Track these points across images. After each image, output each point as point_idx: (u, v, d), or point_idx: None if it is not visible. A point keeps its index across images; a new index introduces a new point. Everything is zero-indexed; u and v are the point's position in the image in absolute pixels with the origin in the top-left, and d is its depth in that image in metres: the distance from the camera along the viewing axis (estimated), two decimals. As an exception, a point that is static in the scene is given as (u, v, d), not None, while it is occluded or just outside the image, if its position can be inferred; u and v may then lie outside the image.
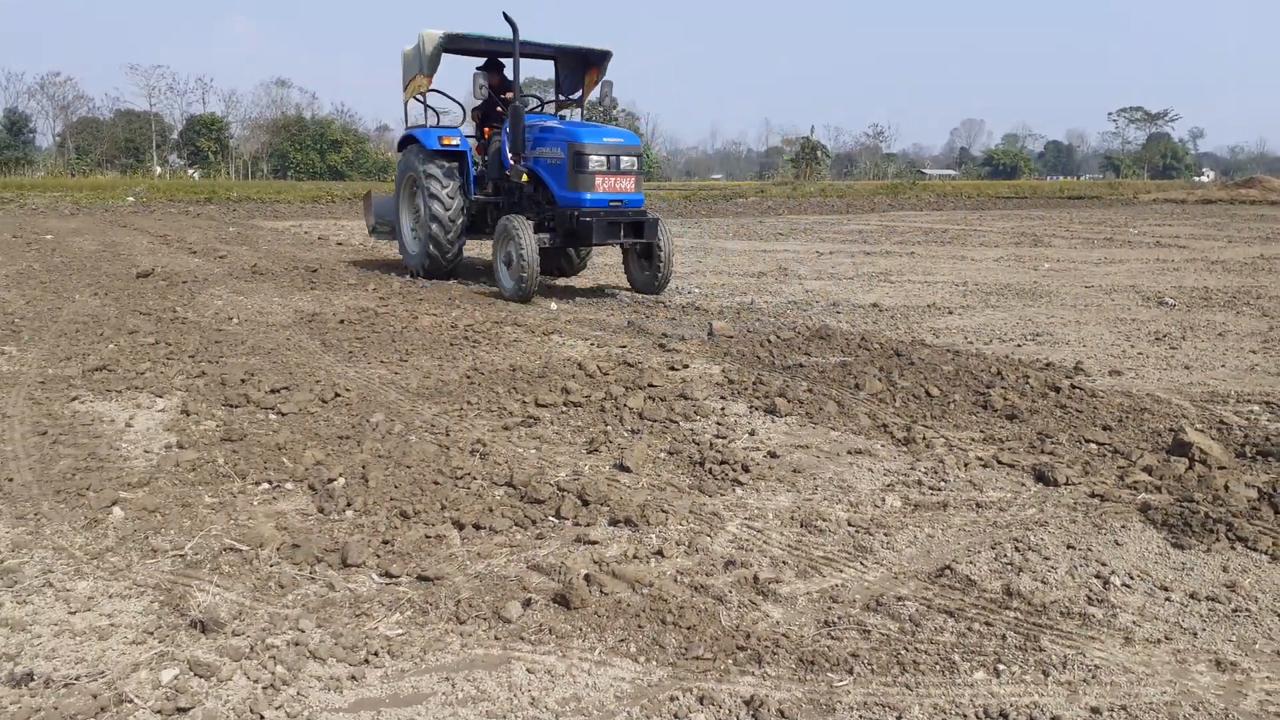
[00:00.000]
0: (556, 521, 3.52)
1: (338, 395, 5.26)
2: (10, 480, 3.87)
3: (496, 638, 2.64)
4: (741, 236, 18.90)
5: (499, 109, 10.58)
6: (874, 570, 3.15)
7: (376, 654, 2.53)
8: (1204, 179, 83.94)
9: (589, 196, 8.96)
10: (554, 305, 8.91)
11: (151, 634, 2.64)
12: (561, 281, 11.17)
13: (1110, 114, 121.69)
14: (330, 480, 3.88)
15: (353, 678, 2.43)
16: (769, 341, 6.85)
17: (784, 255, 14.51)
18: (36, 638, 2.62)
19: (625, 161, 9.16)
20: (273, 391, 5.28)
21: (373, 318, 7.89)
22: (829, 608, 2.85)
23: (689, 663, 2.51)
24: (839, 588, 3.00)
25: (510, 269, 9.05)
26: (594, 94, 10.73)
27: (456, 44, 10.33)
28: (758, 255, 14.59)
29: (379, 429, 4.64)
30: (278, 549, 3.21)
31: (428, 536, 3.35)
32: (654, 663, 2.52)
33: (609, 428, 4.74)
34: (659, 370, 5.94)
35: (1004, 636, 2.67)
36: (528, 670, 2.47)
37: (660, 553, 3.21)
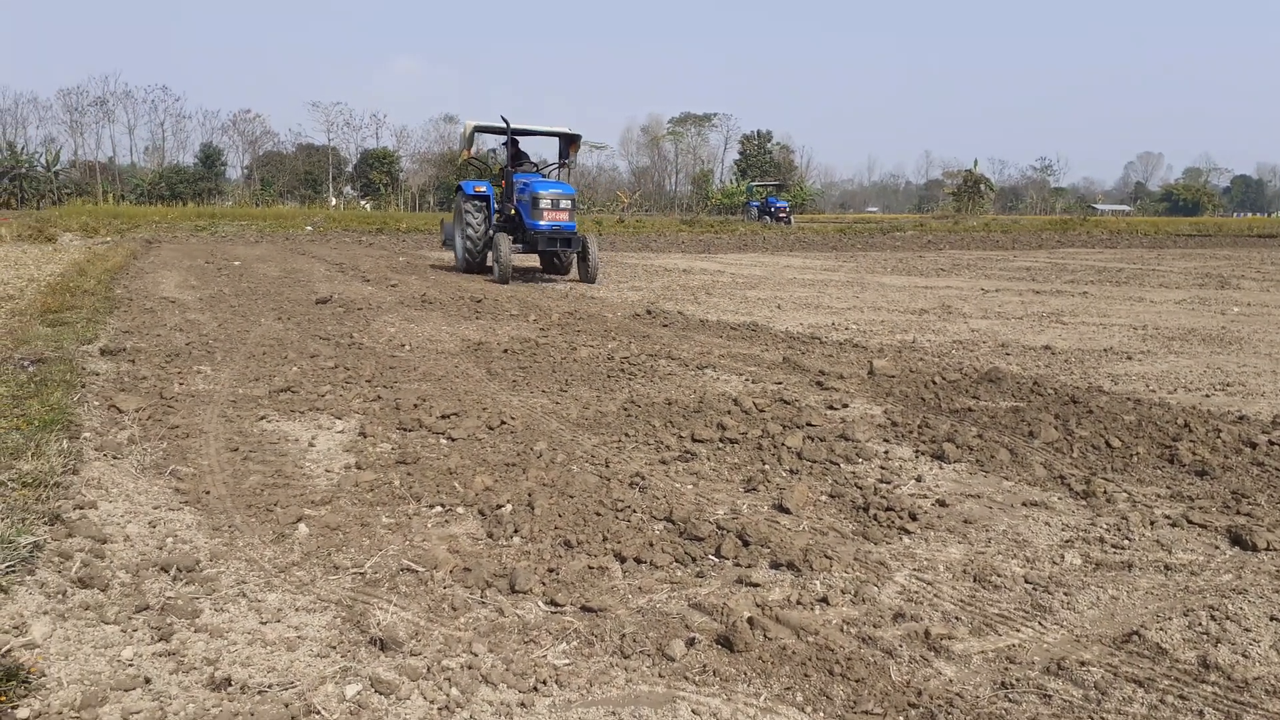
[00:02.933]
0: (717, 560, 3.50)
1: (503, 423, 5.43)
2: (207, 493, 4.17)
3: (661, 675, 2.64)
4: (900, 271, 18.48)
5: (509, 170, 16.15)
6: (1054, 631, 2.98)
7: (545, 682, 2.58)
8: None
9: (541, 223, 14.85)
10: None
11: (335, 648, 2.77)
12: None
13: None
14: (499, 506, 3.99)
15: (522, 704, 2.48)
16: (934, 383, 6.63)
17: (946, 292, 14.08)
18: (232, 644, 2.79)
19: (563, 203, 14.94)
20: (443, 417, 5.50)
21: (534, 348, 8.12)
22: (1006, 668, 2.72)
23: (858, 717, 2.44)
24: (1016, 648, 2.86)
25: (499, 265, 14.67)
26: (572, 159, 16.63)
27: (482, 130, 17.14)
28: (918, 291, 14.21)
29: (542, 458, 4.75)
30: (450, 571, 3.32)
31: (590, 567, 3.39)
32: (821, 714, 2.46)
33: (767, 466, 4.70)
34: (817, 409, 5.85)
35: (1201, 713, 2.48)
36: (693, 711, 2.46)
37: (825, 600, 3.14)
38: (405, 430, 5.29)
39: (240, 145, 76.13)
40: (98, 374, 6.61)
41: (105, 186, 61.80)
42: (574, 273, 16.15)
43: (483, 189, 15.89)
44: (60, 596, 3.04)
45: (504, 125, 15.80)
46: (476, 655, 2.72)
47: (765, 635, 2.86)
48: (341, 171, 73.19)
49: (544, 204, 14.75)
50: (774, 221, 47.13)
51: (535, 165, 16.77)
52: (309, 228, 33.99)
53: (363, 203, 63.83)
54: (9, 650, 2.62)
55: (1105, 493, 4.30)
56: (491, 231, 15.70)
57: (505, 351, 7.96)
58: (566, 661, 2.71)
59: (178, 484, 4.27)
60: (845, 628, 2.96)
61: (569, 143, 16.34)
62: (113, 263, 16.35)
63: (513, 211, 15.49)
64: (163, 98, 78.43)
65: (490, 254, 15.62)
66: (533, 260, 17.08)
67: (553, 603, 3.10)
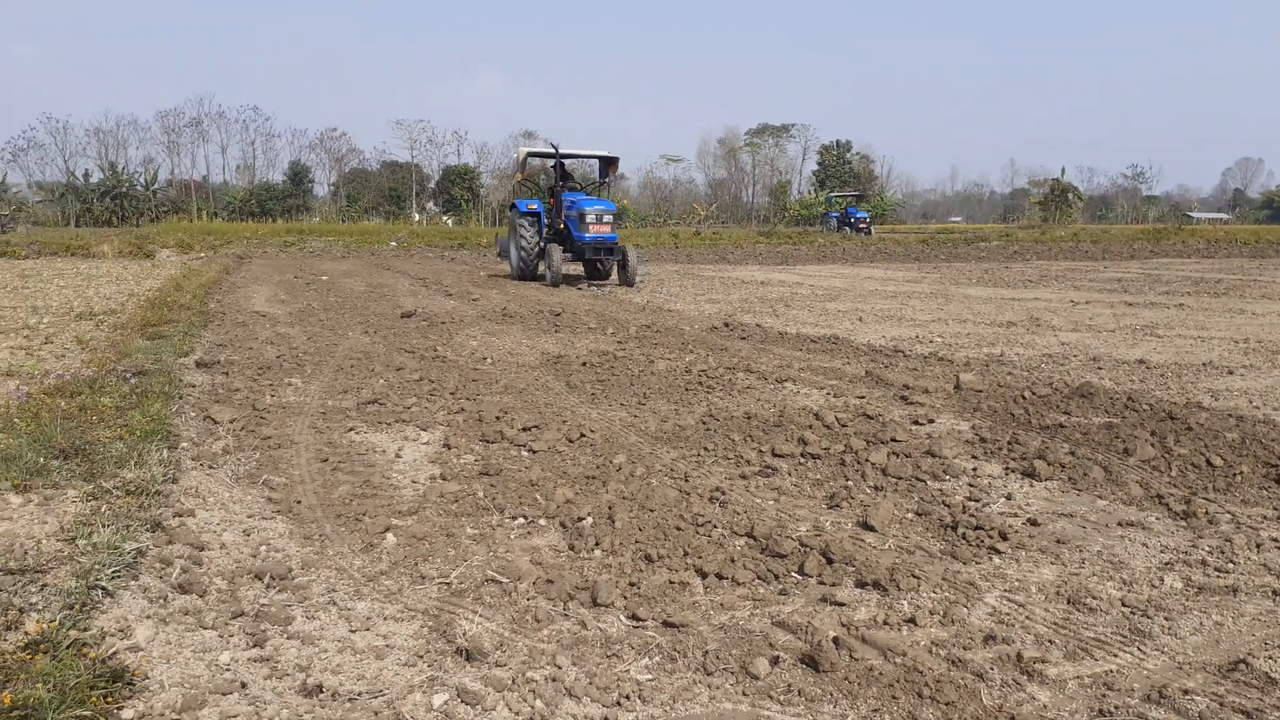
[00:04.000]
0: (800, 578, 3.46)
1: (583, 435, 5.46)
2: (299, 503, 4.28)
3: (745, 694, 2.62)
4: (986, 283, 18.07)
5: (558, 189, 18.28)
6: (1154, 657, 2.86)
7: (628, 697, 2.57)
8: None
9: (587, 235, 16.90)
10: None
11: (422, 658, 2.81)
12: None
13: None
14: (580, 519, 4.01)
15: (606, 719, 2.47)
16: (1023, 398, 6.46)
17: (1034, 304, 13.71)
18: (323, 652, 2.86)
19: (605, 217, 16.99)
20: (524, 429, 5.56)
21: (612, 361, 8.16)
22: (1103, 695, 2.62)
23: (949, 742, 2.38)
24: (1114, 674, 2.75)
25: (551, 271, 16.70)
26: (611, 178, 18.95)
27: (534, 155, 19.47)
28: (1005, 303, 13.86)
29: (622, 471, 4.76)
30: (533, 583, 3.35)
31: (672, 582, 3.38)
32: (911, 738, 2.40)
33: (850, 483, 4.63)
34: (902, 424, 5.74)
35: (1319, 750, 2.35)
36: (778, 731, 2.43)
37: (913, 620, 3.07)
38: (488, 442, 5.36)
39: (327, 163, 78.32)
40: (194, 386, 6.86)
41: (199, 204, 64.23)
42: (614, 277, 18.19)
43: (535, 206, 18.03)
44: (162, 601, 3.15)
45: (553, 150, 18.19)
46: (560, 668, 2.73)
47: (851, 655, 2.81)
48: (424, 187, 74.70)
49: (590, 218, 16.82)
50: (854, 232, 46.62)
51: (579, 184, 19.33)
52: (393, 243, 34.79)
53: (444, 218, 65.03)
54: (115, 653, 2.72)
55: (1207, 513, 4.13)
56: (543, 243, 17.67)
57: (584, 364, 8.01)
58: (649, 677, 2.70)
59: (270, 493, 4.40)
60: (934, 649, 2.89)
61: (608, 164, 18.59)
62: (207, 278, 16.98)
63: (561, 225, 17.60)
64: (254, 118, 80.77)
65: (542, 263, 17.50)
66: (578, 268, 18.88)
67: (635, 617, 3.10)
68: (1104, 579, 3.48)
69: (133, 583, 3.27)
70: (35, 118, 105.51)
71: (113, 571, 3.27)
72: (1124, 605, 3.23)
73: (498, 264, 23.32)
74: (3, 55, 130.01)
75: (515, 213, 18.38)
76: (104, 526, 3.67)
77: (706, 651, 2.83)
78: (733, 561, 3.54)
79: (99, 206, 61.02)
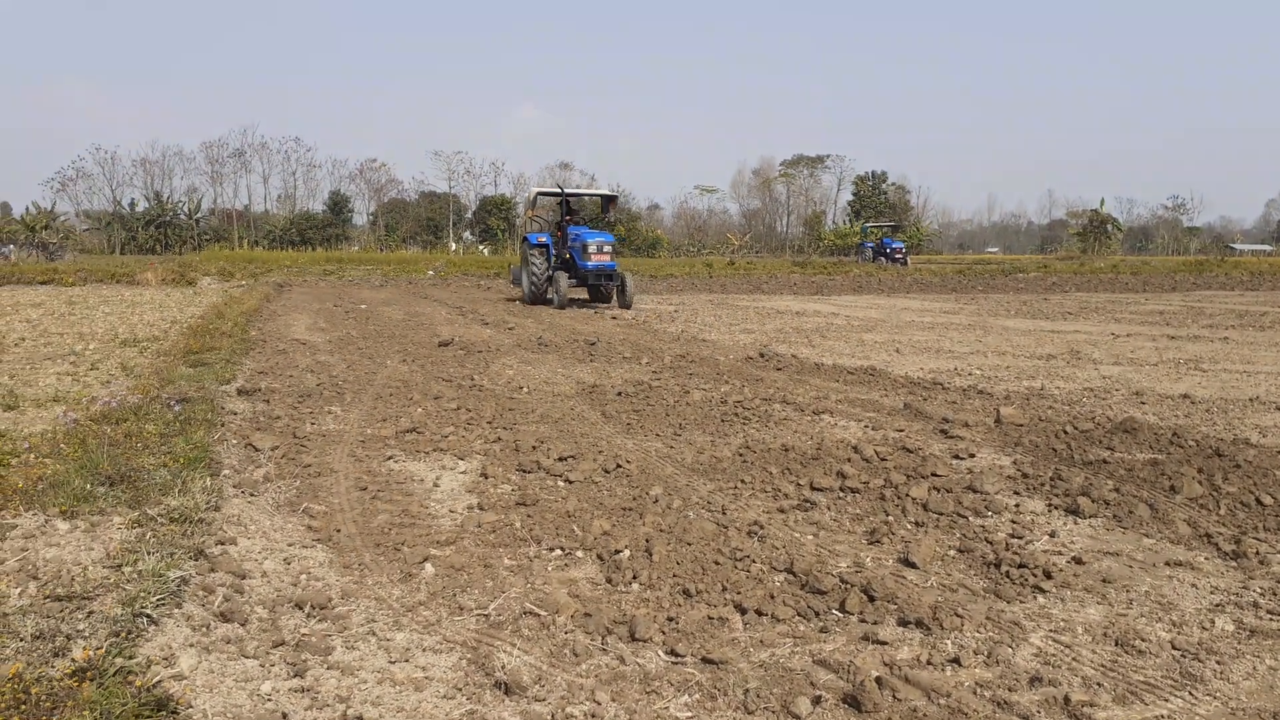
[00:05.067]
0: (841, 615, 3.42)
1: (619, 466, 5.45)
2: (338, 531, 4.31)
3: (786, 734, 2.58)
4: (1024, 314, 17.89)
5: (564, 223, 20.59)
6: (1206, 703, 2.79)
7: (668, 736, 2.55)
8: None
9: (590, 263, 19.09)
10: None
11: (460, 690, 2.81)
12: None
13: None
14: (617, 551, 4.00)
15: (646, 758, 2.45)
16: (1065, 433, 6.36)
17: (1074, 336, 13.54)
18: (363, 683, 2.87)
19: (605, 248, 19.21)
20: (561, 459, 5.57)
21: (647, 391, 8.16)
22: (1156, 742, 2.56)
23: (996, 788, 2.33)
24: (1165, 719, 2.69)
25: (558, 296, 18.86)
26: (611, 214, 21.42)
27: (543, 194, 22.63)
28: (1044, 336, 13.70)
29: (659, 503, 4.74)
30: (571, 616, 3.34)
31: (710, 617, 3.36)
32: (957, 783, 2.36)
33: (890, 518, 4.58)
34: (942, 458, 5.68)
35: (1383, 804, 2.27)
36: (821, 773, 2.39)
37: (957, 660, 3.02)
38: (525, 472, 5.37)
39: (366, 193, 79.56)
40: (236, 413, 6.95)
41: (241, 232, 65.46)
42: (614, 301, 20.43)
43: (544, 239, 20.32)
44: (204, 629, 3.18)
45: (559, 190, 21.29)
46: (600, 703, 2.71)
47: (894, 696, 2.76)
48: (461, 217, 75.56)
49: (592, 249, 19.10)
50: (889, 263, 46.37)
51: (582, 220, 21.66)
52: (430, 272, 35.16)
53: (481, 248, 65.67)
54: (160, 681, 2.75)
55: (1258, 554, 4.03)
56: (552, 271, 19.68)
57: (619, 394, 8.02)
58: (689, 715, 2.68)
59: (310, 522, 4.43)
60: (979, 690, 2.84)
61: (609, 201, 21.42)
62: (248, 306, 17.25)
63: (567, 255, 19.78)
64: (295, 148, 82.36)
65: (550, 288, 19.58)
66: (582, 292, 21.16)
67: (673, 652, 3.08)
68: (1153, 620, 3.40)
69: (176, 610, 3.31)
70: (85, 148, 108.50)
71: (157, 599, 3.31)
72: (1174, 648, 3.16)
73: (513, 290, 23.66)
74: (57, 90, 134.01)
75: (526, 245, 20.58)
76: (149, 554, 3.72)
77: (747, 690, 2.80)
78: (772, 597, 3.51)
79: (144, 235, 62.41)
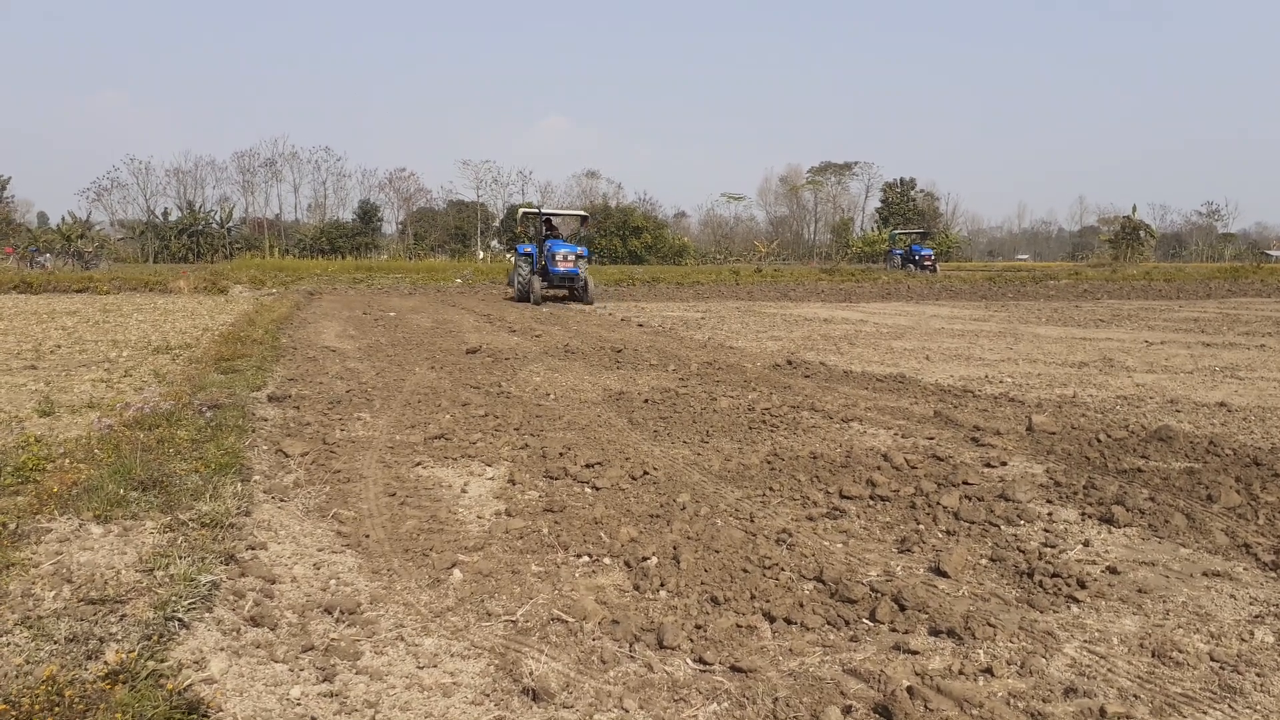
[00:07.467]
0: (871, 624, 3.38)
1: (646, 473, 5.44)
2: (368, 537, 4.33)
3: (816, 743, 2.55)
4: (1056, 322, 17.69)
5: (544, 236, 25.18)
6: (1245, 715, 2.74)
7: (696, 745, 2.53)
8: None
9: (558, 269, 23.17)
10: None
11: (489, 696, 2.81)
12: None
13: None
14: (644, 558, 3.99)
15: (674, 767, 2.43)
16: (1098, 441, 6.27)
17: (1107, 344, 13.37)
18: (391, 688, 2.87)
19: (570, 257, 23.35)
20: (588, 466, 5.56)
21: (674, 398, 8.14)
22: (1195, 757, 2.50)
23: (1031, 801, 2.29)
24: (1205, 734, 2.63)
25: (533, 294, 22.90)
26: (584, 230, 29.09)
27: (528, 213, 27.71)
28: (1076, 343, 13.54)
29: (686, 510, 4.72)
30: (599, 623, 3.33)
31: (739, 626, 3.33)
32: (990, 795, 2.32)
33: (921, 526, 4.53)
34: (973, 466, 5.62)
35: None
36: (851, 784, 2.36)
37: (989, 670, 2.98)
38: (552, 478, 5.37)
39: (395, 202, 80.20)
40: (266, 419, 7.01)
41: (271, 241, 66.16)
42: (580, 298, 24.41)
43: (530, 249, 24.74)
44: (235, 633, 3.20)
45: (538, 209, 26.56)
46: (628, 711, 2.70)
47: (926, 706, 2.73)
48: (489, 226, 75.95)
49: (559, 258, 23.32)
50: (918, 270, 46.04)
51: (560, 234, 26.21)
52: (458, 280, 35.35)
53: (508, 256, 65.96)
54: (191, 685, 2.77)
55: (1300, 565, 3.95)
56: (530, 275, 23.91)
57: (646, 401, 8.01)
58: (718, 723, 2.66)
59: (339, 527, 4.46)
60: (1012, 701, 2.79)
61: (582, 220, 28.21)
62: (278, 313, 17.42)
63: (543, 263, 23.82)
64: (325, 158, 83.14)
65: (526, 290, 23.95)
66: (561, 292, 24.52)
67: (701, 660, 3.06)
68: (1190, 631, 3.34)
69: (207, 615, 3.33)
70: (119, 159, 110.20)
71: (189, 603, 3.34)
72: (1212, 659, 3.10)
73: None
74: (94, 102, 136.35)
75: (516, 254, 25.72)
76: (180, 558, 3.75)
77: (776, 699, 2.78)
78: (801, 606, 3.48)
79: (176, 244, 63.29)
